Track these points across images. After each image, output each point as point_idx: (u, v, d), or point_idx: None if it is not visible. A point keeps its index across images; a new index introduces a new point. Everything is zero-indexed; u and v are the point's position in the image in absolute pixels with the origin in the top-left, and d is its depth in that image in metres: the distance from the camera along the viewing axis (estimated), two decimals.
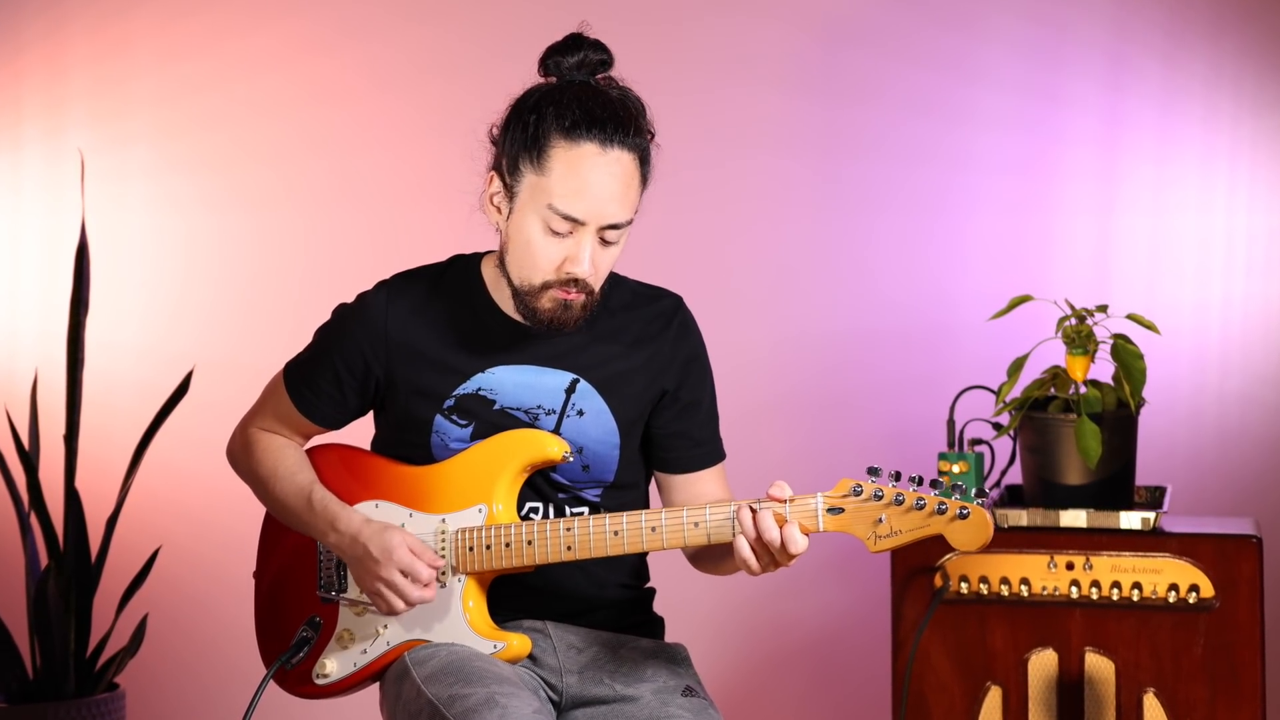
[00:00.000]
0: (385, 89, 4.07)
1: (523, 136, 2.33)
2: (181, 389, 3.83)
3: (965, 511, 2.19)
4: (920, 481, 2.22)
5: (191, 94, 4.14)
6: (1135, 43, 3.72)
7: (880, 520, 2.21)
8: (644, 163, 2.35)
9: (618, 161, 2.31)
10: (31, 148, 4.18)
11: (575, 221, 2.31)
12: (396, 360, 2.45)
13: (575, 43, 2.38)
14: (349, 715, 3.09)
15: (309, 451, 2.57)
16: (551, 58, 2.38)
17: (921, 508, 2.20)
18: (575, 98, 2.32)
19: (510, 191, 2.35)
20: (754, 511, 2.24)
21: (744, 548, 2.24)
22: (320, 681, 2.49)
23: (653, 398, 2.48)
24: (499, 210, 2.38)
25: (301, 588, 2.53)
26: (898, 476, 2.23)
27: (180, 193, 4.15)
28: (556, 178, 2.30)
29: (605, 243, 2.34)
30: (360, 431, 2.60)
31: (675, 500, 2.53)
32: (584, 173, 2.30)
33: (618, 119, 2.31)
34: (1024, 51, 3.77)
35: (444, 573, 2.40)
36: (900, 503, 2.21)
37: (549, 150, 2.30)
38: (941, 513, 2.19)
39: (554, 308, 2.35)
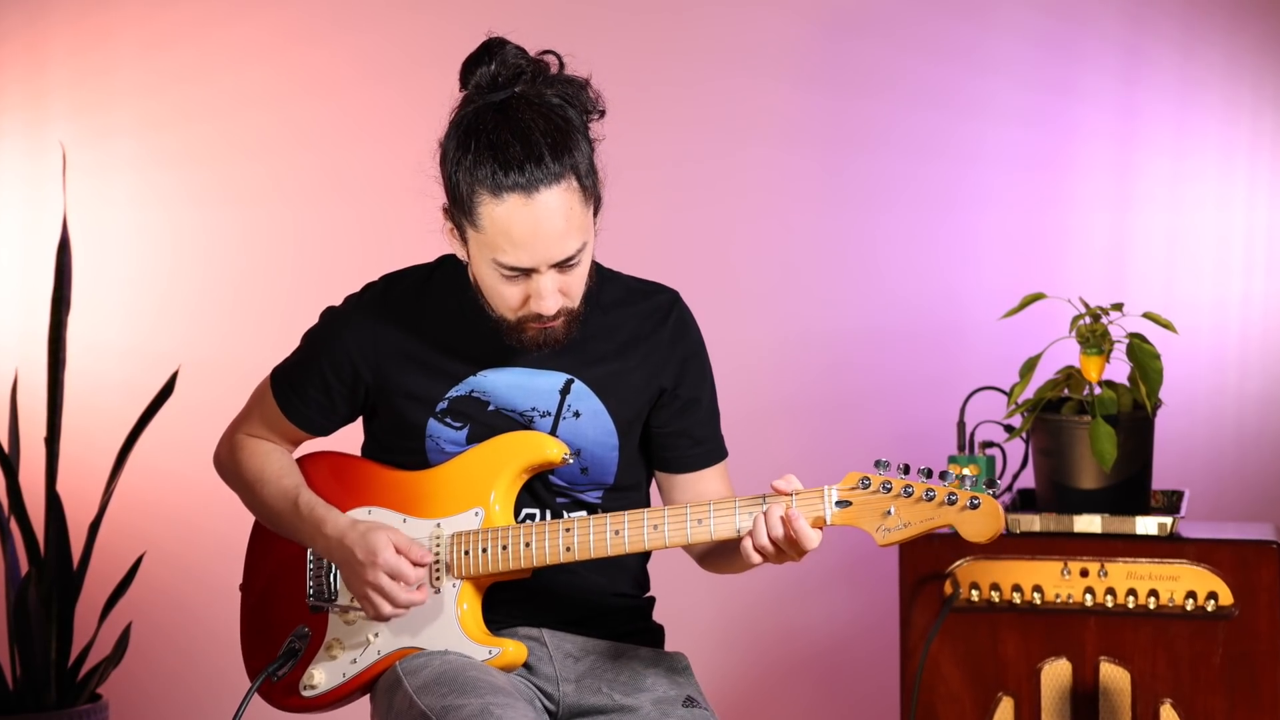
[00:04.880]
0: (377, 80, 4.08)
1: (454, 193, 2.28)
2: (166, 390, 3.84)
3: (976, 501, 2.19)
4: (929, 474, 2.23)
5: (176, 85, 4.15)
6: (1151, 33, 3.74)
7: (889, 512, 2.22)
8: (582, 179, 2.26)
9: (547, 202, 2.23)
10: (11, 140, 4.19)
11: (524, 270, 2.26)
12: (386, 364, 2.42)
13: (486, 53, 2.30)
14: None
15: (298, 460, 2.56)
16: (467, 72, 2.31)
17: (931, 498, 2.21)
18: (487, 141, 2.23)
19: (461, 236, 2.32)
20: (765, 516, 2.23)
21: (750, 550, 2.24)
22: (308, 693, 2.45)
23: (651, 396, 2.45)
24: (459, 244, 2.34)
25: (290, 598, 2.50)
26: (906, 469, 2.24)
27: (165, 187, 4.16)
28: (492, 235, 2.25)
29: (567, 268, 2.28)
30: (351, 438, 2.57)
31: (677, 501, 2.50)
32: (516, 226, 2.23)
33: (535, 155, 2.22)
34: (1037, 42, 3.79)
35: (437, 577, 2.36)
36: (909, 494, 2.21)
37: (477, 209, 2.25)
38: (952, 503, 2.20)
39: (535, 334, 2.33)
